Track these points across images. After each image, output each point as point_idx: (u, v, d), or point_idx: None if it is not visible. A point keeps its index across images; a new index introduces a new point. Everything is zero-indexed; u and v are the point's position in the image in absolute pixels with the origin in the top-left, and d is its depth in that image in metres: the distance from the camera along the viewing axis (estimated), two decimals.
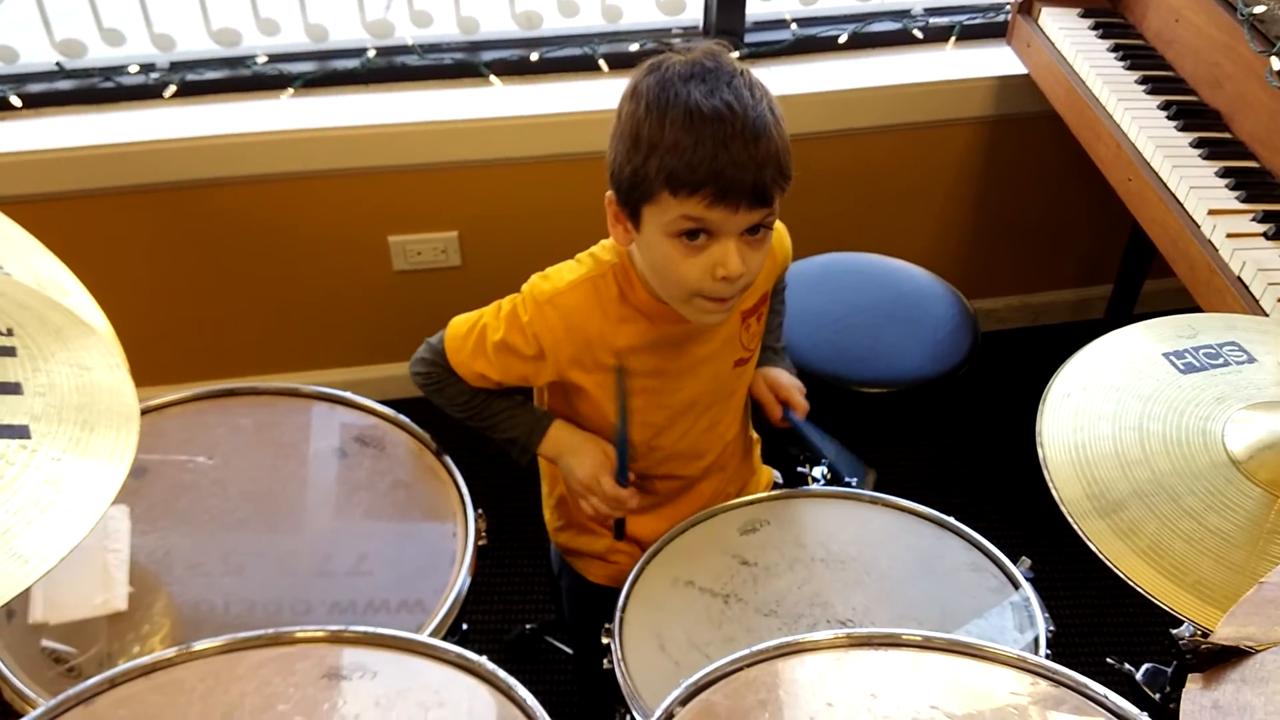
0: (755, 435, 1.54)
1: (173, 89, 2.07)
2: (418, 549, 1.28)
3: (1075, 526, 1.04)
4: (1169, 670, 1.42)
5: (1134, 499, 1.05)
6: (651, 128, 1.12)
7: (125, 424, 0.81)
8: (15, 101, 2.02)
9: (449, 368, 1.32)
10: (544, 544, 1.57)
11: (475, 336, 1.30)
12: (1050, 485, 1.08)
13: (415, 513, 1.33)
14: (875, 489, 1.41)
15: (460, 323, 1.33)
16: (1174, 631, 1.28)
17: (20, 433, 0.75)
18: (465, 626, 1.31)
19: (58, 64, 2.06)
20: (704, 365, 1.33)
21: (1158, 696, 1.40)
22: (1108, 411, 1.14)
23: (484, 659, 1.02)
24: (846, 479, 1.43)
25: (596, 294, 1.27)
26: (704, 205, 1.11)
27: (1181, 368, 1.18)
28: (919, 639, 1.03)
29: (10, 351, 0.79)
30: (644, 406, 1.33)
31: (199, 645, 1.01)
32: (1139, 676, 1.43)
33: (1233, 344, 1.21)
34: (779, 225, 1.35)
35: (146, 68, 2.08)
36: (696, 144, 1.10)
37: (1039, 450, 1.11)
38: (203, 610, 1.19)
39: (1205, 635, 0.79)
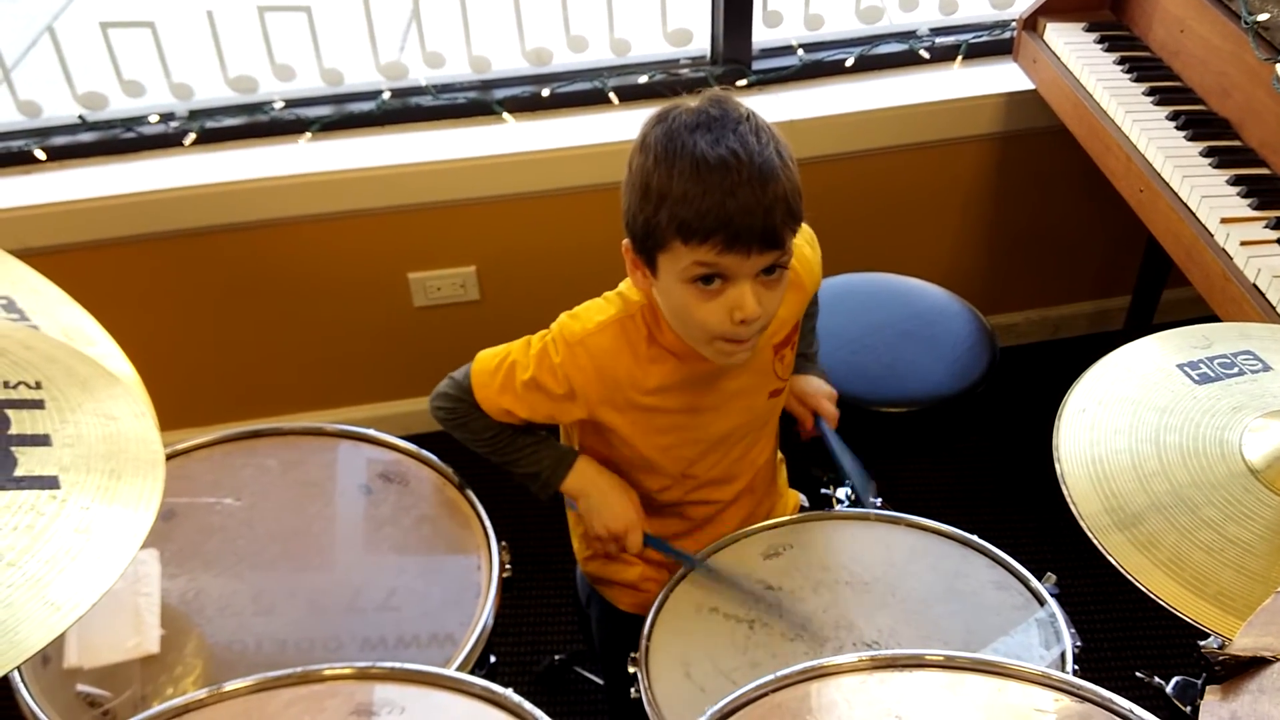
0: (781, 456, 1.55)
1: (192, 137, 2.11)
2: (444, 583, 1.30)
3: (1095, 541, 1.04)
4: (1199, 682, 1.41)
5: (1153, 511, 1.05)
6: (660, 179, 1.14)
7: (151, 470, 0.83)
8: (39, 155, 2.07)
9: (474, 403, 1.33)
10: (571, 574, 1.58)
11: (504, 373, 1.30)
12: (1069, 501, 1.08)
13: (440, 547, 1.34)
14: (880, 503, 1.41)
15: (487, 358, 1.33)
16: (1202, 643, 1.27)
17: (50, 483, 0.77)
18: (493, 659, 1.32)
19: (80, 117, 2.10)
20: (736, 399, 1.34)
21: (1189, 709, 1.39)
22: (1124, 425, 1.14)
23: (509, 691, 1.03)
24: (859, 494, 1.44)
25: (626, 335, 1.28)
26: (715, 252, 1.12)
27: (1197, 378, 1.18)
28: (942, 659, 1.04)
29: (39, 404, 0.82)
30: (677, 443, 1.34)
31: (229, 686, 1.03)
32: (1169, 690, 1.41)
33: (1248, 353, 1.21)
34: (809, 254, 1.37)
35: (166, 117, 2.12)
36: (704, 193, 1.11)
37: (1056, 466, 1.11)
38: (235, 650, 1.21)
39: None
